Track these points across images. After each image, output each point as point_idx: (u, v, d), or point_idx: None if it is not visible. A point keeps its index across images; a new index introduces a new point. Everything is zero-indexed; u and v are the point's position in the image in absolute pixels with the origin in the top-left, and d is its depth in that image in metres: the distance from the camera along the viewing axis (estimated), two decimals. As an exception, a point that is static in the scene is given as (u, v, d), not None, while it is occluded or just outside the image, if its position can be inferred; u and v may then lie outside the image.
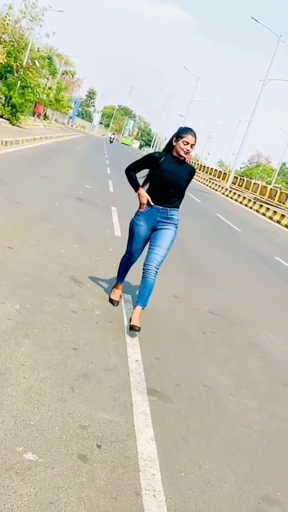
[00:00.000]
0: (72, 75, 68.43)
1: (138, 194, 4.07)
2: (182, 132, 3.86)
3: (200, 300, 5.71)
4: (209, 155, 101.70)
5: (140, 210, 4.10)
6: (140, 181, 4.11)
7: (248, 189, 40.70)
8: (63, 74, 63.60)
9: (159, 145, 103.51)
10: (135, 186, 4.09)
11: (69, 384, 2.90)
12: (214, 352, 4.29)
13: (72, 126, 79.20)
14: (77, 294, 4.41)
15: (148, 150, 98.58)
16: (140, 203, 4.07)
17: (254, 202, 30.59)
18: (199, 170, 55.70)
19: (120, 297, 4.54)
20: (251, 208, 29.81)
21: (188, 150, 3.84)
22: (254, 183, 42.70)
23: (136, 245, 4.21)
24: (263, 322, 5.88)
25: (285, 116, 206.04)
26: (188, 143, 3.82)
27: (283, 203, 33.26)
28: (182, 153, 3.87)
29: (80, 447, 2.39)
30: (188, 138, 3.82)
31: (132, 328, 3.85)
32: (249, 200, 31.51)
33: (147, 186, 4.10)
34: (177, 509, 2.22)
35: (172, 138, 3.94)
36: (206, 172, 54.84)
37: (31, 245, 5.39)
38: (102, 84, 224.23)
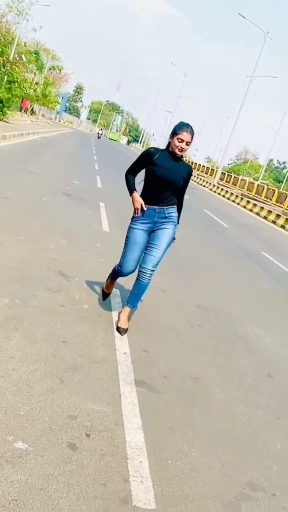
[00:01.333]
0: (60, 70, 68.10)
1: (132, 199, 3.91)
2: (177, 128, 3.69)
3: (187, 295, 5.79)
4: (197, 151, 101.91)
5: (135, 215, 3.93)
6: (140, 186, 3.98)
7: (235, 185, 40.92)
8: (50, 69, 63.27)
9: (147, 140, 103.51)
10: (130, 190, 3.91)
11: (58, 376, 2.95)
12: (201, 345, 4.37)
13: (59, 121, 78.73)
14: (66, 288, 4.45)
15: (136, 146, 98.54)
16: (135, 208, 3.90)
17: (242, 198, 30.80)
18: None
19: (113, 287, 4.41)
20: (238, 204, 30.01)
21: (182, 147, 3.69)
22: (242, 179, 42.94)
23: (130, 253, 3.94)
24: (250, 315, 5.98)
25: (272, 112, 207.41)
26: (182, 140, 3.66)
27: (270, 199, 33.52)
28: (176, 151, 3.72)
29: (69, 436, 2.44)
30: (183, 135, 3.65)
31: (118, 329, 3.88)
32: (237, 196, 31.71)
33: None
34: (164, 495, 2.29)
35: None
36: (194, 168, 54.98)
37: (19, 241, 5.41)
38: (89, 79, 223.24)
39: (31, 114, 49.10)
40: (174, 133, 3.70)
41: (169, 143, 3.82)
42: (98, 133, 62.58)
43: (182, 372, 3.65)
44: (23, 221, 6.38)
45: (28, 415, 2.48)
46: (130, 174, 3.95)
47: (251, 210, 27.61)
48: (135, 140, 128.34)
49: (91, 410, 2.73)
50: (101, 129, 72.70)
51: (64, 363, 3.12)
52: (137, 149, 79.38)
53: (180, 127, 3.68)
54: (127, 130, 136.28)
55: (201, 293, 6.10)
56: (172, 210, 3.94)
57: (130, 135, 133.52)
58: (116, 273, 4.15)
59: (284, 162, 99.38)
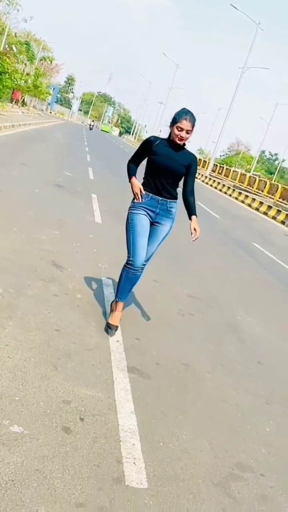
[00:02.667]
0: (51, 61, 67.38)
1: (131, 184, 3.83)
2: (177, 116, 3.55)
3: (179, 284, 5.87)
4: (189, 143, 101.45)
5: (136, 201, 3.82)
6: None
7: (227, 177, 40.94)
8: (41, 59, 62.62)
9: (139, 132, 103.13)
10: (129, 176, 3.85)
11: (52, 363, 3.01)
12: (192, 333, 4.45)
13: (50, 112, 78.20)
14: (59, 278, 4.50)
15: (128, 138, 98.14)
16: (134, 193, 3.84)
17: (234, 190, 30.89)
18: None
19: (120, 320, 3.81)
20: (230, 195, 30.10)
21: (182, 136, 3.57)
22: (234, 171, 42.95)
23: (139, 238, 3.74)
24: (240, 304, 6.07)
25: (264, 104, 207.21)
26: (182, 129, 3.53)
27: (262, 191, 33.63)
28: (176, 140, 3.60)
29: (63, 420, 2.51)
30: (182, 123, 3.52)
31: (108, 326, 3.73)
32: (229, 188, 31.79)
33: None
34: (156, 475, 2.37)
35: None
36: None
37: (12, 232, 5.44)
38: (81, 70, 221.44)
39: (22, 105, 48.72)
40: (174, 121, 3.57)
41: (171, 132, 3.70)
42: (90, 125, 62.40)
43: (173, 359, 3.72)
44: (16, 213, 6.40)
45: (23, 400, 2.55)
46: (132, 163, 3.89)
47: (243, 202, 27.71)
48: (127, 131, 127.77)
49: (85, 395, 2.80)
50: (93, 121, 72.48)
51: (58, 350, 3.19)
52: (129, 141, 79.10)
53: (179, 115, 3.55)
54: (119, 121, 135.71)
55: (192, 283, 6.18)
56: (174, 205, 3.90)
57: (122, 127, 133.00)
58: (129, 275, 3.77)
59: (276, 154, 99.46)
